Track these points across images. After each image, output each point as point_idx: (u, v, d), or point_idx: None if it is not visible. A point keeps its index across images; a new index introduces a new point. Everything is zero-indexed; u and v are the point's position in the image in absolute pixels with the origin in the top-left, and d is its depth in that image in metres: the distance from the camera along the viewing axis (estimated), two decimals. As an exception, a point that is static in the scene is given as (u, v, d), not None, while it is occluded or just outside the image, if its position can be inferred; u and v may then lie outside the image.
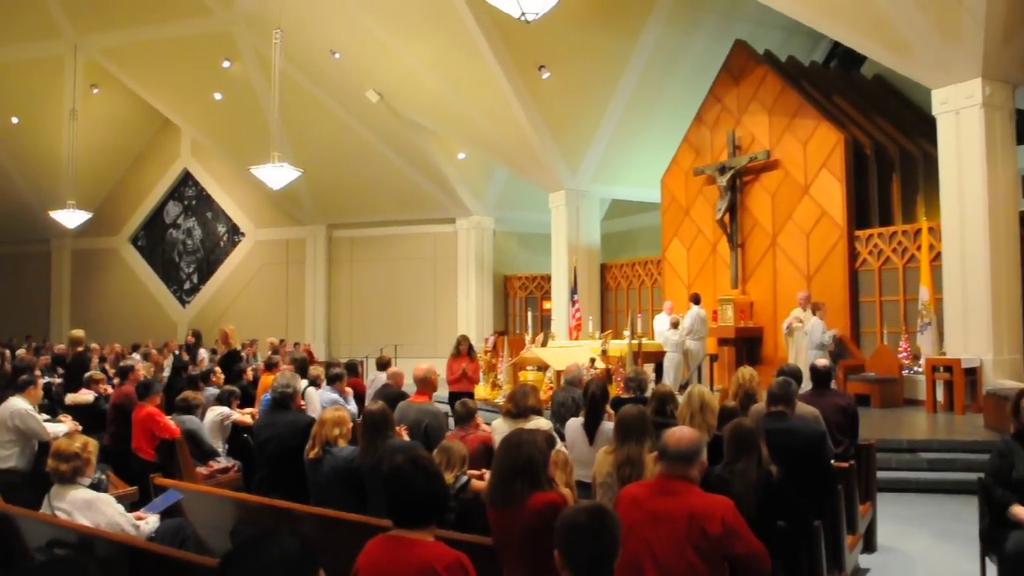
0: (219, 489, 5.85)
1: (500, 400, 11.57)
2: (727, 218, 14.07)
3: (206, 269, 24.45)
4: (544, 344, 14.17)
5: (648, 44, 14.79)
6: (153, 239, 25.22)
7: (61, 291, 25.25)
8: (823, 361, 6.47)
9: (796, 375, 5.72)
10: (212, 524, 4.86)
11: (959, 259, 10.57)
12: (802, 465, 4.43)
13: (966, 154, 10.49)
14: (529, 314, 16.88)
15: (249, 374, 10.10)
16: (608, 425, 5.11)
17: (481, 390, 12.84)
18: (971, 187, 10.43)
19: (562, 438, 5.47)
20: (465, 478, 4.50)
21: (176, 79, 19.31)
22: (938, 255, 11.18)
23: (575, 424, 5.45)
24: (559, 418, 6.34)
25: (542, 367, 12.63)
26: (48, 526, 4.06)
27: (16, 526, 4.22)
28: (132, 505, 5.19)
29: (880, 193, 12.94)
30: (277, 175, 14.16)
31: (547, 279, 19.04)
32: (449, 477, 4.38)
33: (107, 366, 12.25)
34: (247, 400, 8.74)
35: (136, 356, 13.49)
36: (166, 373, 12.41)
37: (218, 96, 19.23)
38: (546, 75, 14.62)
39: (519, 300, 20.50)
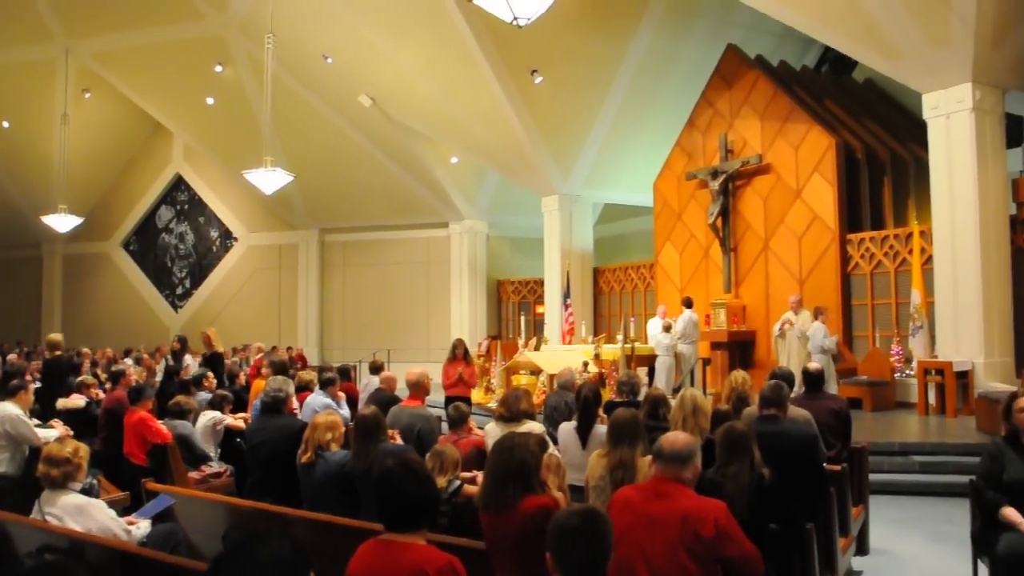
0: (211, 494, 5.82)
1: (493, 404, 11.56)
2: (719, 222, 14.10)
3: (198, 274, 24.37)
4: (537, 348, 14.18)
5: (640, 49, 14.83)
6: (145, 244, 25.14)
7: (53, 296, 25.14)
8: (815, 364, 6.50)
9: (788, 378, 5.73)
10: (204, 529, 4.84)
11: (950, 262, 10.62)
12: (794, 468, 4.43)
13: (957, 158, 10.55)
14: (522, 318, 16.89)
15: (242, 378, 10.08)
16: (601, 429, 5.10)
17: (474, 394, 12.80)
18: (962, 191, 10.48)
19: (555, 442, 5.47)
20: (458, 482, 4.49)
21: (168, 83, 19.26)
22: (929, 258, 11.23)
23: (568, 428, 5.45)
24: (552, 422, 6.34)
25: (535, 371, 12.65)
26: (39, 532, 4.03)
27: (6, 532, 4.19)
28: (124, 510, 5.16)
29: (871, 197, 13.00)
30: (270, 180, 14.14)
31: (540, 283, 19.04)
32: (442, 481, 4.37)
33: (99, 371, 12.22)
34: (240, 405, 8.72)
35: (128, 361, 13.43)
36: (158, 378, 12.37)
37: (210, 100, 19.19)
38: (539, 79, 14.64)
39: (512, 304, 20.49)
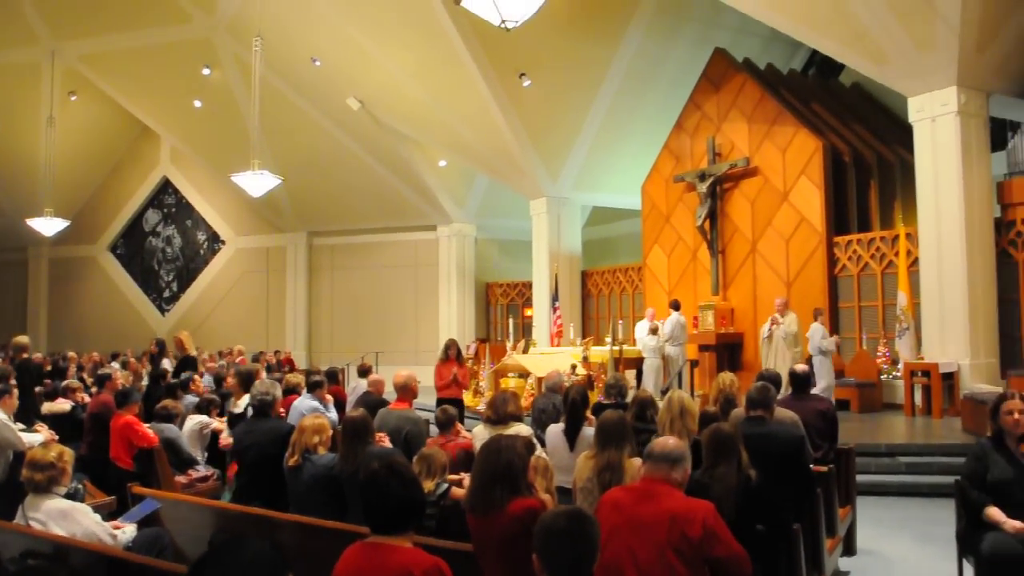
0: (197, 498, 5.79)
1: (481, 407, 11.55)
2: (707, 225, 14.14)
3: (186, 277, 24.27)
4: (525, 351, 14.19)
5: (628, 52, 14.87)
6: (132, 247, 25.01)
7: (38, 300, 24.98)
8: (802, 366, 6.52)
9: (775, 380, 5.75)
10: (190, 533, 4.81)
11: (936, 264, 10.69)
12: (781, 469, 4.44)
13: (942, 161, 10.63)
14: (511, 321, 16.92)
15: (228, 382, 10.02)
16: (588, 431, 5.11)
17: (465, 396, 12.81)
18: (947, 193, 10.56)
19: (543, 444, 5.47)
20: (446, 485, 4.49)
21: (155, 86, 19.19)
22: (915, 260, 11.30)
23: (555, 430, 5.45)
24: (540, 424, 6.34)
25: (523, 374, 12.64)
26: (22, 537, 4.00)
27: (-11, 537, 4.16)
28: (110, 515, 5.13)
29: (858, 199, 13.07)
30: (257, 183, 14.09)
31: (528, 286, 19.05)
32: (430, 484, 4.36)
33: (85, 375, 12.13)
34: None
35: (115, 365, 13.35)
36: (145, 382, 12.30)
37: (198, 103, 19.12)
38: (527, 83, 14.66)
39: (500, 307, 20.50)
